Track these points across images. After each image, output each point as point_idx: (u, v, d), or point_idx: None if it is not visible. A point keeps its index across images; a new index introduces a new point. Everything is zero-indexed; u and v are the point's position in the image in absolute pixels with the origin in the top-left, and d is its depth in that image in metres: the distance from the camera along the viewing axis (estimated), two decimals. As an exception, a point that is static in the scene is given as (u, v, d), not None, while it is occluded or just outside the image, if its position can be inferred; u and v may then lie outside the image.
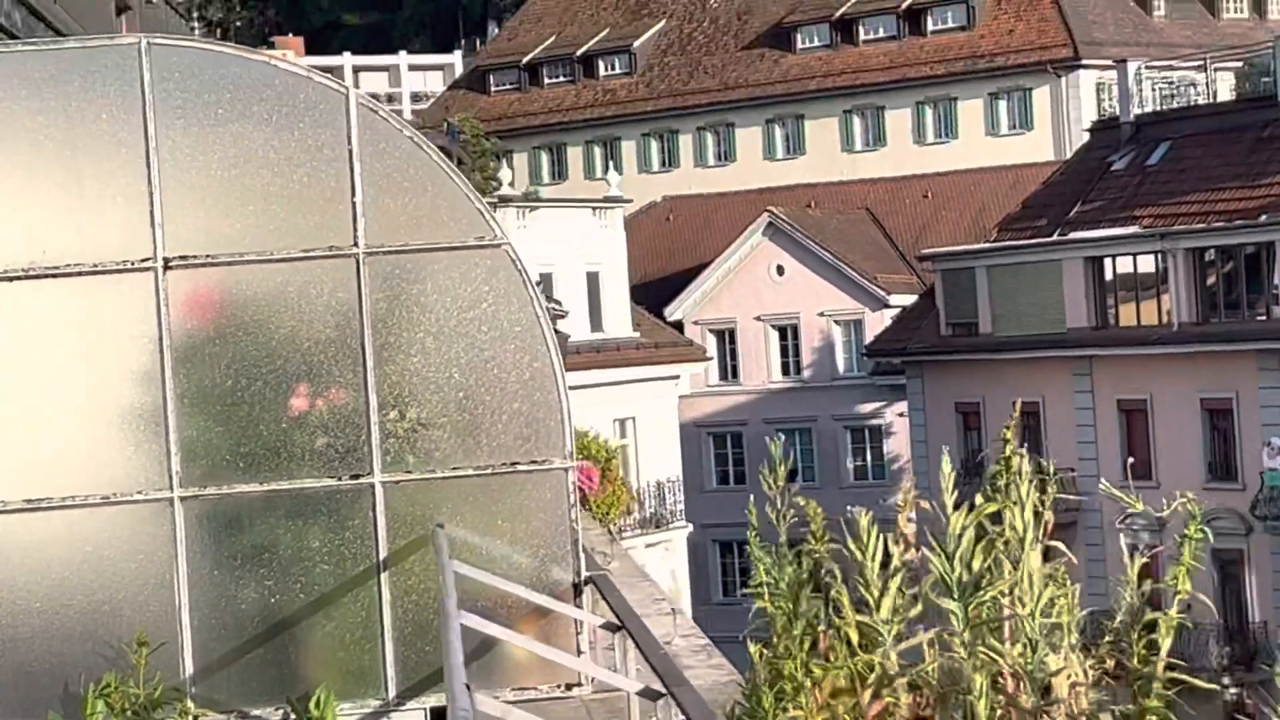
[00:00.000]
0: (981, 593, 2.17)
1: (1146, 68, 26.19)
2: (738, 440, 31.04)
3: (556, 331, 4.53)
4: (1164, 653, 2.08)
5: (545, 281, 19.42)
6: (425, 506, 3.98)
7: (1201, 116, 25.01)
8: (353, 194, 4.03)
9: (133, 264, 3.95)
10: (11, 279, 3.95)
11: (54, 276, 3.93)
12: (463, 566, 3.58)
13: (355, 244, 4.01)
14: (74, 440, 4.02)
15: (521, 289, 4.11)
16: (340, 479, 3.98)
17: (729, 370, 31.92)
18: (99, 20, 10.80)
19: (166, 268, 3.92)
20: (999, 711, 2.19)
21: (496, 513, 4.03)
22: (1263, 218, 21.24)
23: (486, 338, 4.09)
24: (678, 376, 26.28)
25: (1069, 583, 2.26)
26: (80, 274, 3.94)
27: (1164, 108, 25.40)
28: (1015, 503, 2.16)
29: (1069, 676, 2.16)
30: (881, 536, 2.29)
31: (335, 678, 3.83)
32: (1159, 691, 2.13)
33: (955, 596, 2.13)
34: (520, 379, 4.11)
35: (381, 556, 3.93)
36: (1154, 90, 25.53)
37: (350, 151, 4.05)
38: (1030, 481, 2.15)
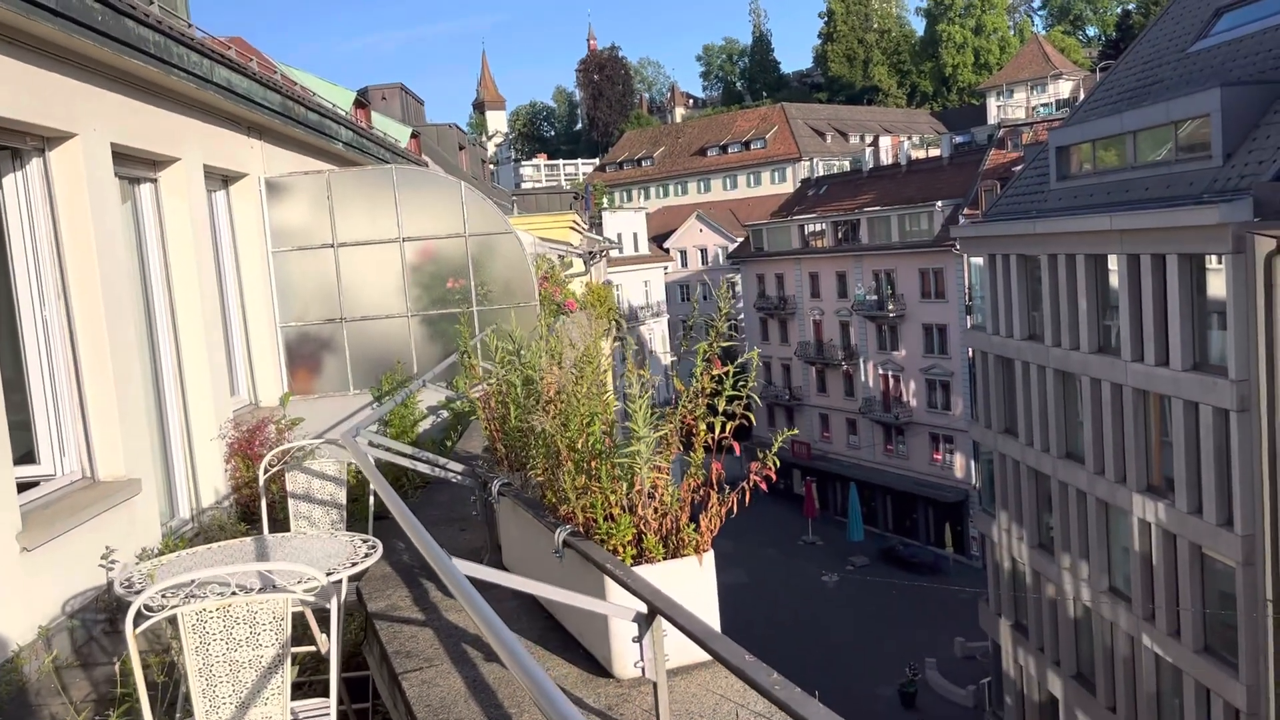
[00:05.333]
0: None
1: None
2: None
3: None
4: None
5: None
6: (491, 318, 11.20)
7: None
8: (463, 214, 11.35)
9: (393, 239, 11.26)
10: (351, 245, 11.34)
11: (368, 244, 11.25)
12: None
13: (465, 231, 11.33)
14: (376, 295, 11.27)
15: (519, 246, 11.45)
16: (463, 309, 11.21)
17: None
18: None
19: (404, 241, 11.28)
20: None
21: (509, 322, 11.31)
22: None
23: (509, 263, 11.37)
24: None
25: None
26: (378, 243, 11.25)
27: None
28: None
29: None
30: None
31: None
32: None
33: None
34: (521, 277, 11.36)
35: (478, 333, 11.20)
36: None
37: (461, 198, 11.40)
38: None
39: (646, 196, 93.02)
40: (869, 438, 56.49)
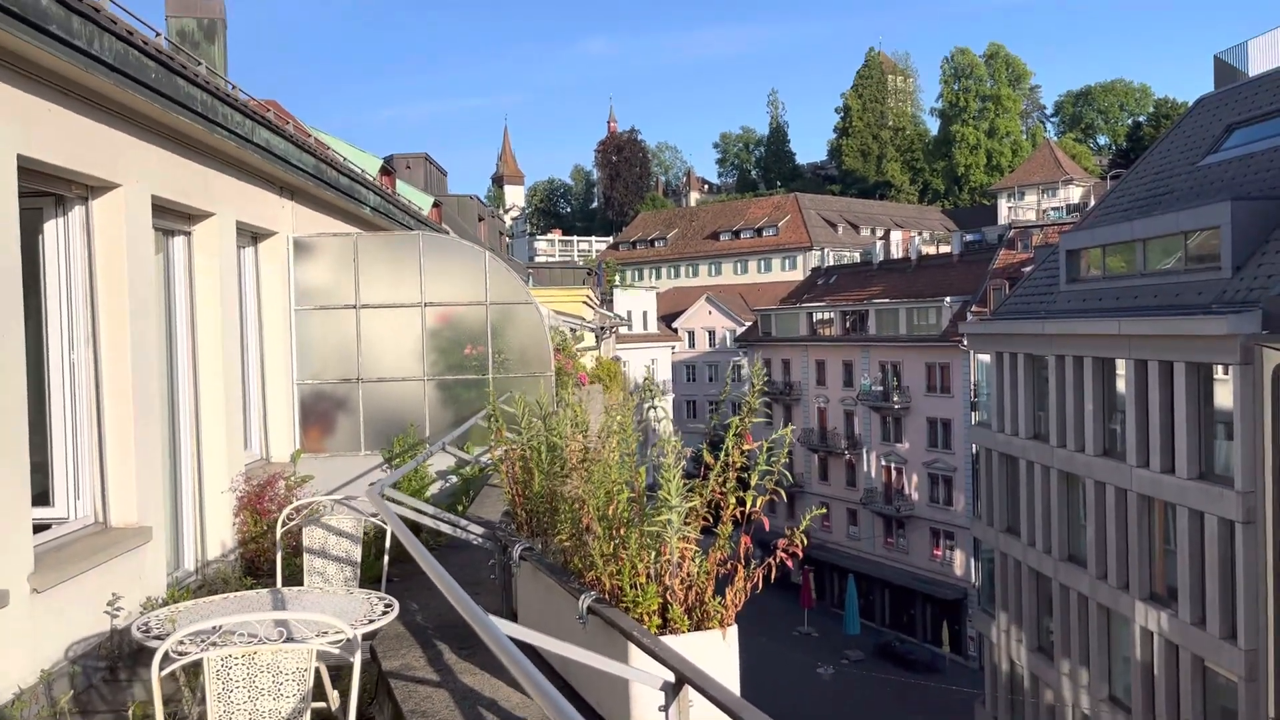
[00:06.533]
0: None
1: None
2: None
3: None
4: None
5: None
6: (507, 386, 11.27)
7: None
8: (485, 282, 11.53)
9: (415, 304, 11.43)
10: (373, 307, 11.50)
11: (390, 307, 11.42)
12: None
13: (486, 299, 11.50)
14: (394, 358, 11.39)
15: (539, 317, 11.59)
16: (480, 376, 11.31)
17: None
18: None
19: (426, 305, 11.44)
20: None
21: (528, 390, 11.36)
22: None
23: (527, 333, 11.51)
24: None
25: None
26: (399, 306, 11.42)
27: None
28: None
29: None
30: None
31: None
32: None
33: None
34: (538, 347, 11.49)
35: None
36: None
37: (485, 266, 11.59)
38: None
39: (658, 276, 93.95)
40: (869, 529, 56.03)
